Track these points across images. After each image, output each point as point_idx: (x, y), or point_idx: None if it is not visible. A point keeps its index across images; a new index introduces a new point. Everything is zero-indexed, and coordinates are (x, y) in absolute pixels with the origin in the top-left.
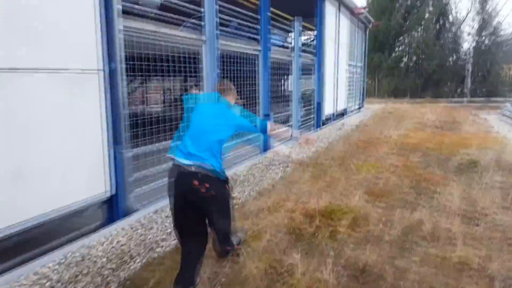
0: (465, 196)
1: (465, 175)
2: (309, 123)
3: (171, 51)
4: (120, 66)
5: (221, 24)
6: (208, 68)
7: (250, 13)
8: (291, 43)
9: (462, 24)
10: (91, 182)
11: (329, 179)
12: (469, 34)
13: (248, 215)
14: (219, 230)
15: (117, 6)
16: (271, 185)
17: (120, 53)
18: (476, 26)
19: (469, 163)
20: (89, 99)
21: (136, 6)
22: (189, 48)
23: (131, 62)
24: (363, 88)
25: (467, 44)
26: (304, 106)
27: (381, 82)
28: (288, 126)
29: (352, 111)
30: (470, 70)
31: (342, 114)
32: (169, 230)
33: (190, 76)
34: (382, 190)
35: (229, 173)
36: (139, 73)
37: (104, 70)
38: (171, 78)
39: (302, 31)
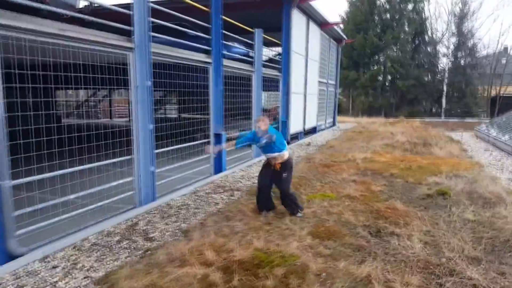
0: (428, 239)
1: (431, 210)
2: None
3: (83, 58)
4: None
5: (162, 31)
6: (138, 79)
7: (200, 22)
8: (252, 57)
9: (438, 44)
10: None
11: (272, 215)
12: (444, 55)
13: (153, 267)
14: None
15: None
16: (201, 222)
17: None
18: (452, 46)
19: (437, 194)
20: None
21: (35, 4)
22: (115, 56)
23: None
24: (335, 106)
25: (443, 64)
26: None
27: (355, 100)
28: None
29: (322, 129)
30: (445, 90)
31: (312, 131)
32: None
33: (111, 88)
34: (331, 230)
35: (163, 201)
36: (38, 84)
37: None
38: (82, 89)
39: (269, 46)
